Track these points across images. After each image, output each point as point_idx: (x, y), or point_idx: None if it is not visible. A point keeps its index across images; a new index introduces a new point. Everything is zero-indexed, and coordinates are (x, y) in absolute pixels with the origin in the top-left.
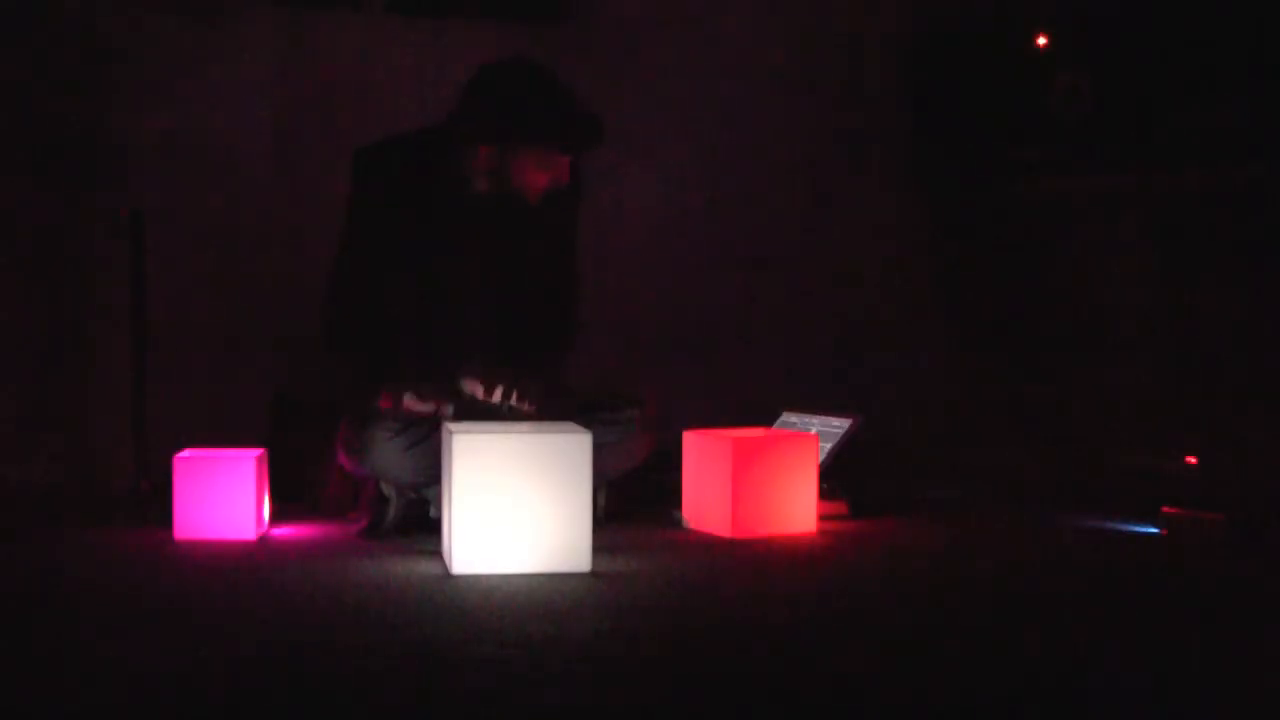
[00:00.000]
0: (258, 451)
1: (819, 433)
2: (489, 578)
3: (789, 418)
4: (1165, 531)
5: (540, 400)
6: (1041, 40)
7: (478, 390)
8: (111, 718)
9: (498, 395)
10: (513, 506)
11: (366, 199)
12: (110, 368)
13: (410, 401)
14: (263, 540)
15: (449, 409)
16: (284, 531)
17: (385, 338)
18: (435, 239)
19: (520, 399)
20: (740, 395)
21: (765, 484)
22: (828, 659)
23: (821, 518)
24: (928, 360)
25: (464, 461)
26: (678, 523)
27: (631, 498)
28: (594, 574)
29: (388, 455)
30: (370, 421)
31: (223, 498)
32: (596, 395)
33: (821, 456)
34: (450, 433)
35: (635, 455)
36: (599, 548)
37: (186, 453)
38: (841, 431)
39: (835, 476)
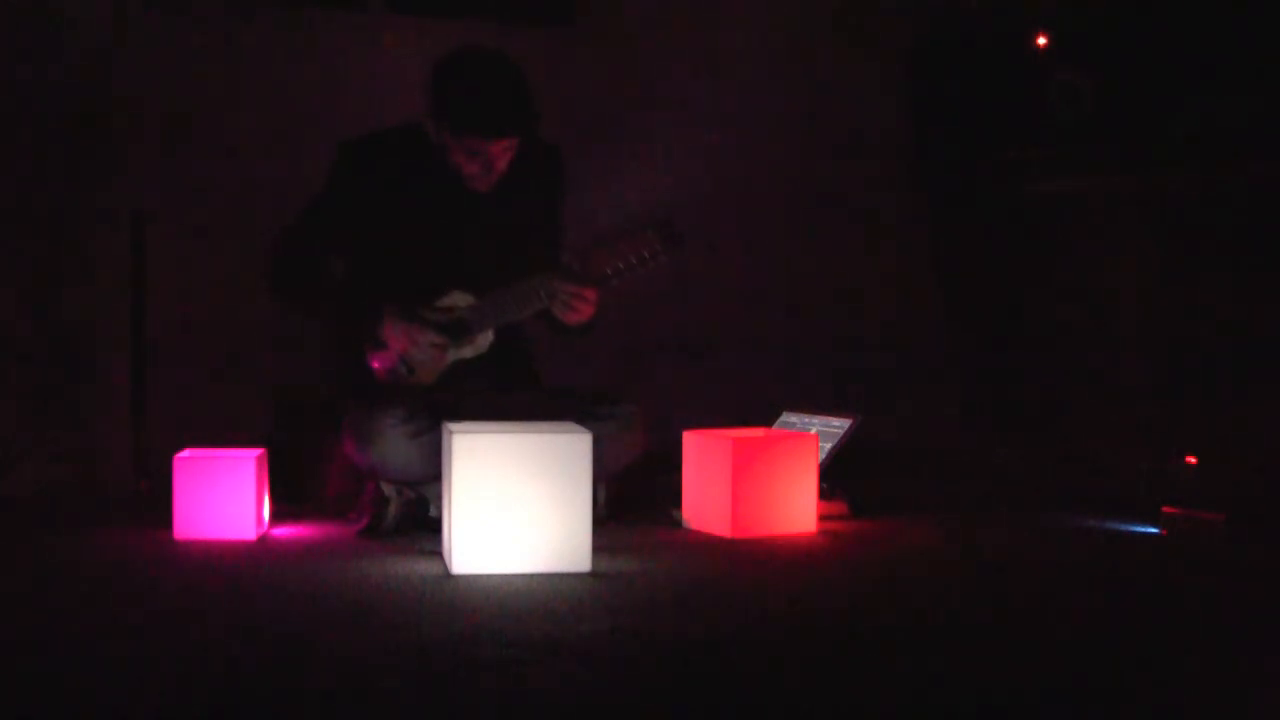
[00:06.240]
0: (258, 451)
1: (819, 433)
2: (489, 578)
3: (789, 418)
4: (1165, 531)
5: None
6: (1041, 40)
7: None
8: (112, 718)
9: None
10: (513, 506)
11: (345, 184)
12: (110, 368)
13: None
14: (263, 540)
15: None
16: (284, 531)
17: (323, 282)
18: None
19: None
20: (740, 395)
21: (765, 484)
22: (828, 659)
23: (821, 518)
24: (928, 360)
25: (464, 461)
26: (678, 523)
27: (632, 497)
28: (594, 574)
29: (394, 444)
30: (377, 410)
31: (223, 498)
32: (592, 392)
33: (821, 456)
34: (450, 433)
35: (633, 450)
36: (599, 548)
37: (186, 453)
38: (841, 431)
39: (835, 476)
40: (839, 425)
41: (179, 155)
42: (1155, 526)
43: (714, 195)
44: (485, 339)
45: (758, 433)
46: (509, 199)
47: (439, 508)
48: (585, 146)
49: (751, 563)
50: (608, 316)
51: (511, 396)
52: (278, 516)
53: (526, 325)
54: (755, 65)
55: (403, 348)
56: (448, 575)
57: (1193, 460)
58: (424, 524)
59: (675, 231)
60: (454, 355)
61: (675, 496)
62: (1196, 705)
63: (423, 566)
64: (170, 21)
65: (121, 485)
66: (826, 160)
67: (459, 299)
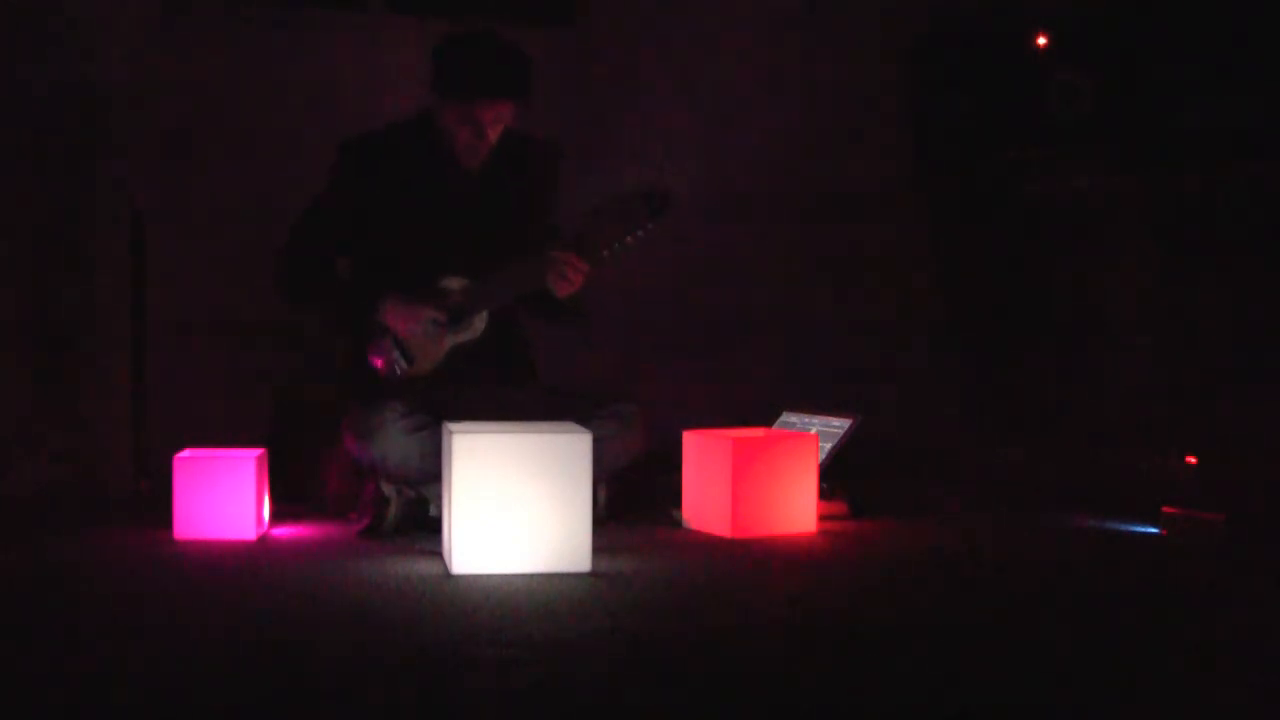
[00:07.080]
0: (258, 451)
1: (819, 433)
2: (489, 578)
3: (789, 418)
4: (1165, 531)
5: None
6: (1041, 40)
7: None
8: (112, 718)
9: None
10: (513, 506)
11: (347, 181)
12: (110, 367)
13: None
14: (263, 540)
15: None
16: (284, 531)
17: (327, 280)
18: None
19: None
20: (740, 395)
21: (765, 484)
22: (826, 659)
23: (821, 518)
24: (928, 360)
25: (464, 461)
26: (678, 523)
27: (632, 497)
28: (594, 574)
29: (394, 438)
30: (377, 405)
31: (223, 498)
32: (593, 391)
33: (821, 456)
34: (450, 433)
35: (633, 449)
36: (599, 548)
37: (186, 453)
38: (841, 431)
39: (835, 476)
40: (839, 425)
41: (179, 155)
42: (1155, 526)
43: (714, 195)
44: (481, 322)
45: (758, 433)
46: (504, 186)
47: (439, 508)
48: (585, 145)
49: (751, 563)
50: (608, 316)
51: (512, 395)
52: (278, 516)
53: (522, 319)
54: (755, 65)
55: (403, 329)
56: (448, 575)
57: (1193, 460)
58: (424, 524)
59: (660, 197)
60: (451, 340)
61: (675, 496)
62: (1196, 705)
63: (423, 566)
64: (170, 21)
65: (121, 485)
66: (826, 160)
67: (453, 283)
